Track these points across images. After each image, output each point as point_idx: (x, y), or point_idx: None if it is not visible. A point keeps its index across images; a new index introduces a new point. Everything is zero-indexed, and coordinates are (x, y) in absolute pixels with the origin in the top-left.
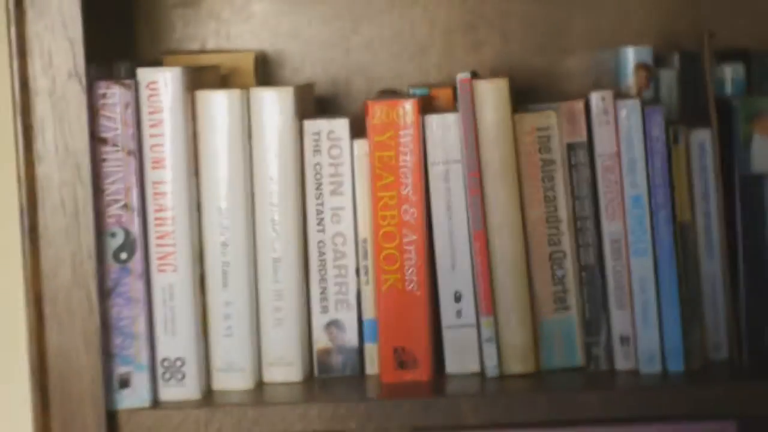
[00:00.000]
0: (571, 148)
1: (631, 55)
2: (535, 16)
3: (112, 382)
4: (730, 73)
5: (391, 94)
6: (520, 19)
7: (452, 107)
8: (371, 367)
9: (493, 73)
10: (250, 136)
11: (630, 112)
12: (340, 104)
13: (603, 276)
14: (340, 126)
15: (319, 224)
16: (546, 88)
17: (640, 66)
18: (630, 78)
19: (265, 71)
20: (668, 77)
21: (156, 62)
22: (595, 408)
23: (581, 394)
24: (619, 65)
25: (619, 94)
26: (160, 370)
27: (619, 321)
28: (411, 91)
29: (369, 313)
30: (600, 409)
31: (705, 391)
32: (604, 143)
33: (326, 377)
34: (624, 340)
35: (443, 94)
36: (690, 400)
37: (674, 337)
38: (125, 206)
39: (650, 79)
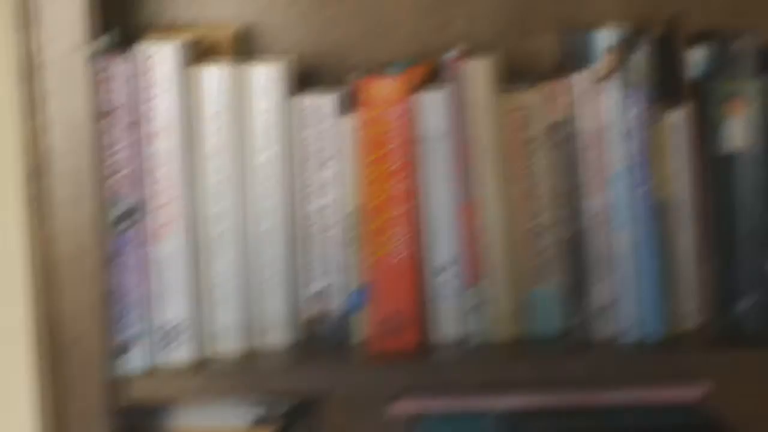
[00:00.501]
0: (553, 126)
1: (601, 38)
2: None
3: (112, 349)
4: (697, 56)
5: (367, 71)
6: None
7: (427, 84)
8: (357, 336)
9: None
10: (241, 110)
11: (612, 92)
12: (311, 80)
13: (583, 249)
14: (327, 101)
15: (306, 197)
16: (512, 67)
17: (611, 48)
18: (601, 60)
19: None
20: (638, 60)
21: (133, 35)
22: (578, 372)
23: (564, 359)
24: (589, 47)
25: (599, 75)
26: (157, 337)
27: (598, 291)
28: (387, 69)
29: (355, 283)
30: (582, 373)
31: (680, 357)
32: (586, 122)
33: (314, 344)
34: (603, 309)
35: (420, 71)
36: (666, 365)
37: (652, 307)
38: (126, 176)
39: (620, 61)
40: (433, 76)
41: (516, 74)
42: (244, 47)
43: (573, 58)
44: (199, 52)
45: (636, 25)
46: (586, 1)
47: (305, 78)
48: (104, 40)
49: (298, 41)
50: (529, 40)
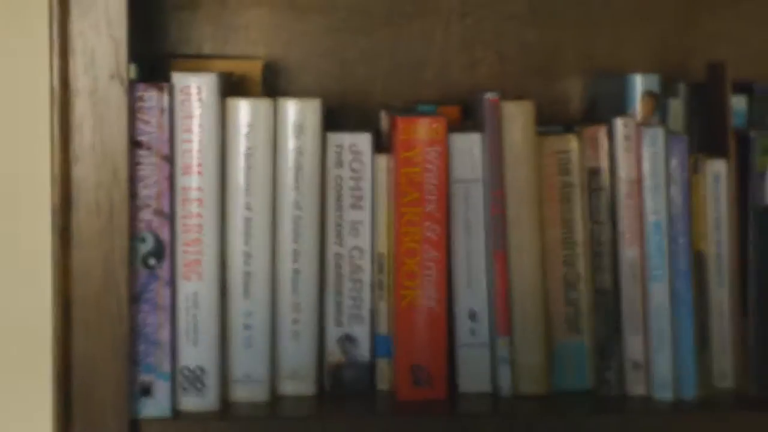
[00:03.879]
0: (591, 172)
1: (638, 83)
2: (531, 37)
3: (134, 391)
4: (738, 105)
5: (398, 110)
6: (517, 40)
7: (458, 126)
8: (382, 383)
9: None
10: (274, 146)
11: (654, 139)
12: (336, 117)
13: (617, 301)
14: (363, 140)
15: (337, 237)
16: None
17: (648, 94)
18: (636, 105)
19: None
20: (676, 106)
21: (157, 65)
22: (609, 430)
23: (596, 416)
24: (625, 92)
25: (639, 121)
26: (180, 379)
27: (632, 346)
28: (419, 108)
29: (382, 329)
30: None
31: (717, 417)
32: (625, 169)
33: (338, 392)
34: (636, 365)
35: (449, 112)
36: (703, 426)
37: (687, 364)
38: (156, 211)
39: (656, 108)
40: (462, 119)
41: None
42: (271, 83)
43: (603, 104)
44: (230, 87)
45: (667, 71)
46: (616, 44)
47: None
48: (132, 69)
49: (322, 77)
50: (556, 83)
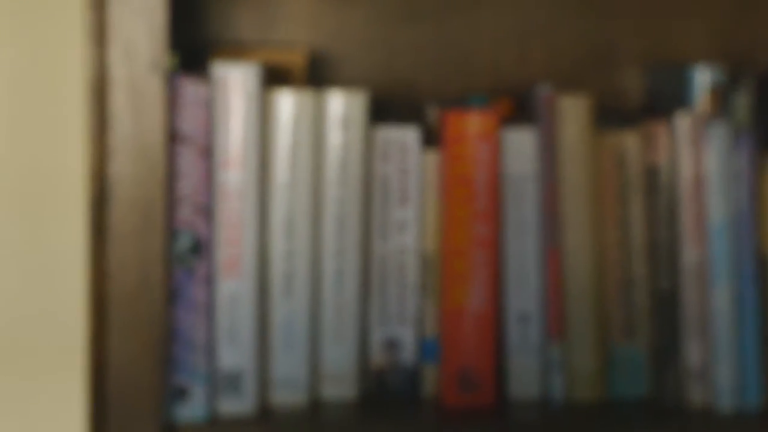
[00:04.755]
0: (650, 169)
1: (701, 74)
2: (585, 29)
3: (169, 393)
4: None
5: (447, 102)
6: (570, 32)
7: (510, 118)
8: (427, 389)
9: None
10: (318, 140)
11: (720, 135)
12: (381, 109)
13: (677, 304)
14: (411, 135)
15: (382, 236)
16: (595, 104)
17: (711, 86)
18: (699, 98)
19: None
20: (741, 100)
21: (197, 54)
22: None
23: (652, 426)
24: (686, 84)
25: (702, 117)
26: (217, 382)
27: (691, 352)
28: (470, 99)
29: (428, 332)
30: None
31: None
32: (687, 166)
33: (382, 397)
34: (696, 372)
35: (501, 104)
36: None
37: (752, 372)
38: (194, 207)
39: (720, 101)
40: (515, 112)
41: (598, 111)
42: (314, 73)
43: (662, 97)
44: (271, 77)
45: (731, 63)
46: (677, 34)
47: (373, 107)
48: (171, 59)
49: (368, 68)
50: (611, 75)
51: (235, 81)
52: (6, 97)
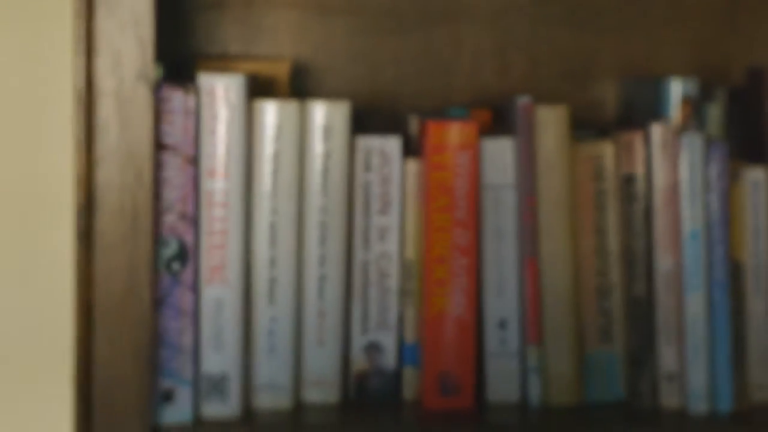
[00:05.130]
0: (626, 179)
1: (675, 87)
2: (564, 41)
3: (155, 397)
4: None
5: (428, 114)
6: (549, 44)
7: (489, 130)
8: (408, 392)
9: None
10: (301, 149)
11: (692, 145)
12: (364, 120)
13: (651, 310)
14: (393, 144)
15: (364, 243)
16: (573, 115)
17: (685, 99)
18: (674, 110)
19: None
20: (714, 112)
21: (182, 65)
22: None
23: (628, 429)
24: (661, 96)
25: (676, 127)
26: (202, 386)
27: (666, 357)
28: (450, 111)
29: (409, 337)
30: None
31: None
32: (662, 176)
33: (363, 400)
34: (671, 376)
35: (480, 116)
36: None
37: (723, 377)
38: (181, 215)
39: (693, 113)
40: (494, 124)
41: (575, 122)
42: (298, 85)
43: (638, 109)
44: (256, 88)
45: (706, 76)
46: (653, 48)
47: (356, 118)
48: (157, 69)
49: (350, 80)
50: (589, 87)
51: (220, 91)
52: None
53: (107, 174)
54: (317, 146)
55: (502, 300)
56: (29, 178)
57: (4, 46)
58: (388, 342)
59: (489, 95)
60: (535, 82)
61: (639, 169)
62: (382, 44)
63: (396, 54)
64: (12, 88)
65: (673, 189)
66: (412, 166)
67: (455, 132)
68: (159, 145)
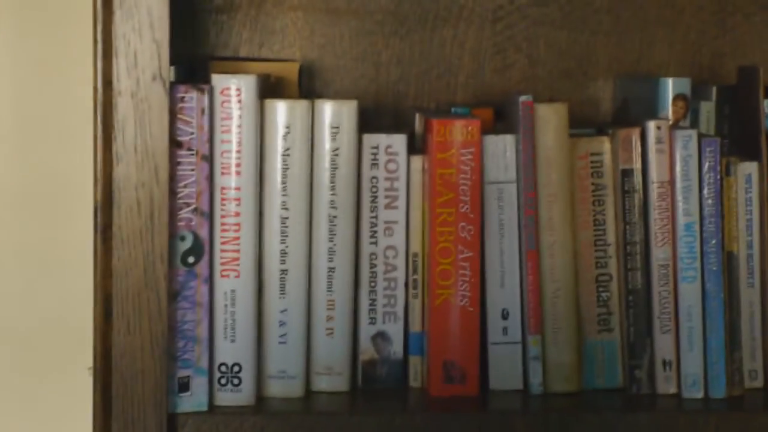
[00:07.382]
0: (624, 173)
1: (669, 86)
2: (562, 41)
3: (172, 385)
4: (765, 109)
5: (432, 112)
6: (547, 44)
7: (490, 128)
8: (414, 380)
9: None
10: (311, 147)
11: (687, 141)
12: (370, 118)
13: (648, 300)
14: (399, 141)
15: (372, 237)
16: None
17: (679, 97)
18: (668, 108)
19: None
20: (707, 109)
21: (199, 68)
22: (640, 428)
23: (626, 413)
24: (656, 94)
25: (671, 124)
26: (217, 375)
27: (662, 345)
28: (453, 110)
29: (415, 327)
30: (644, 429)
31: (747, 417)
32: (658, 171)
33: (371, 388)
34: (667, 364)
35: (481, 115)
36: (732, 424)
37: (717, 364)
38: (196, 210)
39: (687, 111)
40: (495, 122)
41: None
42: (306, 85)
43: (634, 106)
44: (268, 88)
45: (698, 75)
46: (647, 48)
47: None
48: (173, 71)
49: (357, 80)
50: (586, 86)
51: (233, 91)
52: (18, 106)
53: (125, 171)
54: (326, 144)
55: (505, 291)
56: (50, 175)
57: (28, 50)
58: (395, 332)
59: (490, 94)
60: (534, 81)
61: (636, 165)
62: (386, 45)
63: (400, 55)
64: (35, 90)
65: (669, 183)
66: (417, 162)
67: (459, 129)
68: (175, 143)
